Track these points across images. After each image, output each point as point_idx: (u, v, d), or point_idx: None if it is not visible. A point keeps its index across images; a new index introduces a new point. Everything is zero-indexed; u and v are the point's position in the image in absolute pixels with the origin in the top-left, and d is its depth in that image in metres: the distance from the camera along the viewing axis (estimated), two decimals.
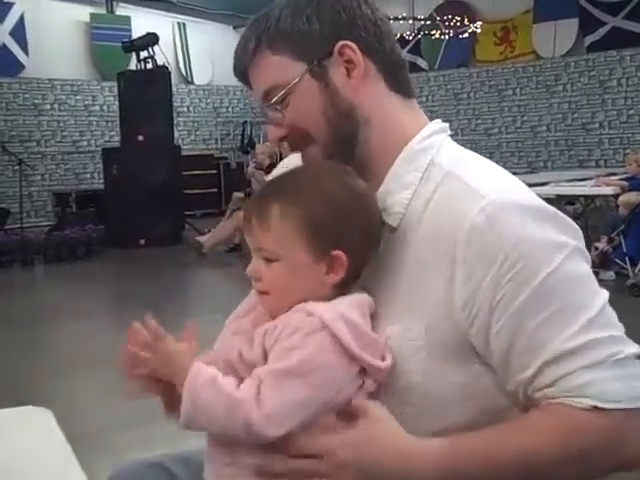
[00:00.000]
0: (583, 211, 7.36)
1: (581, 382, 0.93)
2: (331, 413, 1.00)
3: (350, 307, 1.01)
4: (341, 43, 1.07)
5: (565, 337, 0.94)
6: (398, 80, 1.13)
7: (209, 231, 8.95)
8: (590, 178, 7.66)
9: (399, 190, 1.07)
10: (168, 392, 1.05)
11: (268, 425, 0.96)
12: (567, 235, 0.99)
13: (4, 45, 12.29)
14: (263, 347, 1.01)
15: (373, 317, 1.05)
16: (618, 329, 0.98)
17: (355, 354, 0.99)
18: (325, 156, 1.10)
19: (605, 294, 1.00)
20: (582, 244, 1.02)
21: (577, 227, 1.03)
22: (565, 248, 0.97)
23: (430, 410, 1.01)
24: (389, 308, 1.05)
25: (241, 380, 0.99)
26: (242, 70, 1.14)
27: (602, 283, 1.01)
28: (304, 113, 1.09)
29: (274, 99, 1.10)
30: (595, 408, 0.92)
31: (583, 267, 0.99)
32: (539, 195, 1.04)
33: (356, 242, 1.04)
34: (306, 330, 0.98)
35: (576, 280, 0.97)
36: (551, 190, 6.90)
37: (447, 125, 1.15)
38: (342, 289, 1.05)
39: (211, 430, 1.02)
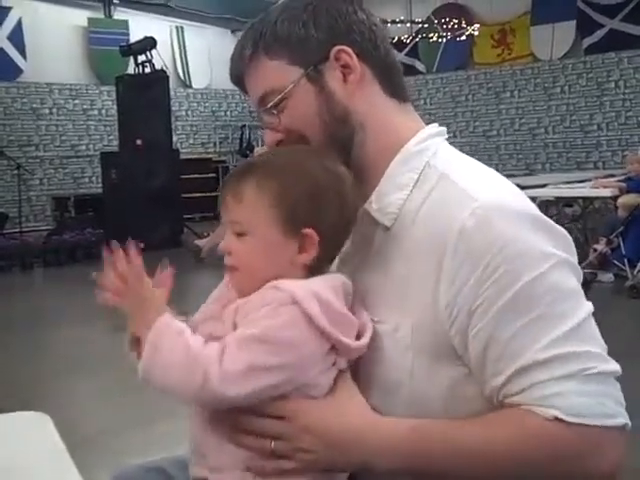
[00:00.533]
0: (582, 213, 7.38)
1: (548, 393, 0.92)
2: (306, 393, 1.00)
3: (323, 285, 1.01)
4: (337, 48, 1.08)
5: (539, 347, 0.93)
6: (393, 84, 1.13)
7: (208, 235, 8.93)
8: (588, 180, 7.64)
9: (394, 191, 1.07)
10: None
11: (225, 381, 0.94)
12: (558, 246, 0.98)
13: (2, 49, 12.30)
14: (234, 322, 1.00)
15: (362, 304, 1.06)
16: (597, 345, 0.96)
17: (325, 330, 0.97)
18: None
19: (589, 307, 0.98)
20: (574, 258, 1.00)
21: (570, 240, 1.02)
22: (552, 258, 0.96)
23: (415, 409, 1.01)
24: (380, 306, 1.05)
25: None
26: (238, 75, 1.15)
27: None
28: (300, 117, 1.09)
29: (270, 103, 1.10)
30: (557, 419, 0.91)
31: (571, 281, 0.97)
32: (538, 197, 1.04)
33: (330, 224, 1.03)
34: (275, 305, 0.97)
35: (560, 292, 0.95)
36: (550, 192, 6.88)
37: (444, 129, 1.15)
38: (313, 272, 1.05)
39: (165, 384, 0.97)
